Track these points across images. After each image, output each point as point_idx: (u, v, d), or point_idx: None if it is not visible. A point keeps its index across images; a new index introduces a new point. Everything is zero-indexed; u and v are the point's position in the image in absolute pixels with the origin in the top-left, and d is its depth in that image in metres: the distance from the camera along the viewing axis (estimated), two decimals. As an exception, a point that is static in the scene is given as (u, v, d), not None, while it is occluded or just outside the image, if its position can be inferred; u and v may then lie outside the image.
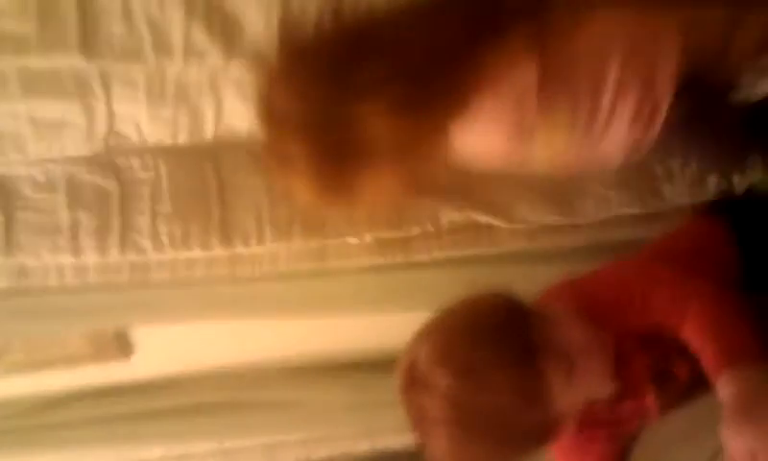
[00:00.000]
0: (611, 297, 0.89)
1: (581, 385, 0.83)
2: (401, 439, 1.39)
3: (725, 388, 0.75)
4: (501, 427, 0.80)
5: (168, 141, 1.11)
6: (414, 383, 0.82)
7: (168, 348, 1.43)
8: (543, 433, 0.84)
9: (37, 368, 1.35)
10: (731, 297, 0.83)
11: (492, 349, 0.79)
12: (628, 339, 0.89)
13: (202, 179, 1.14)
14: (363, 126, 0.73)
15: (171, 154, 1.13)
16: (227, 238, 1.14)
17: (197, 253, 1.14)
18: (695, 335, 0.82)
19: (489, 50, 0.71)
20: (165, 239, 1.13)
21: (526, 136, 0.73)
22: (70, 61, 1.03)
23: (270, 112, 0.79)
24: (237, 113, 1.10)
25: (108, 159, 1.12)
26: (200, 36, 1.02)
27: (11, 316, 1.18)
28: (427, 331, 0.85)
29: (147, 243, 1.12)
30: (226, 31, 1.03)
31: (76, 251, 1.11)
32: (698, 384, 0.86)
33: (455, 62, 0.71)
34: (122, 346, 1.38)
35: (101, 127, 1.08)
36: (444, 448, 0.82)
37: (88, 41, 1.01)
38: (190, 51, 1.03)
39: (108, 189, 1.12)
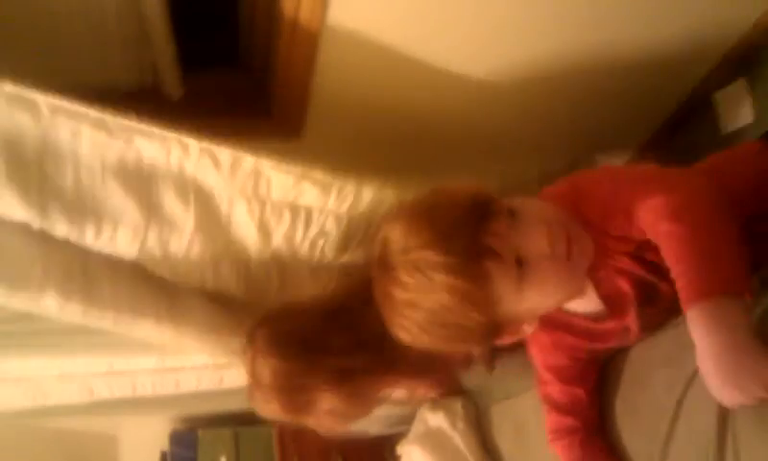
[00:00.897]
0: (600, 202, 0.86)
1: (534, 291, 0.82)
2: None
3: (692, 324, 0.71)
4: (446, 325, 0.82)
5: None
6: (380, 263, 0.86)
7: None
8: (491, 332, 0.85)
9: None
10: (723, 215, 0.76)
11: (439, 249, 0.78)
12: (613, 254, 0.87)
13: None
14: (321, 395, 1.14)
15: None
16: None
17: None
18: (667, 252, 0.77)
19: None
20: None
21: None
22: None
23: (252, 370, 1.18)
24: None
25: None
26: None
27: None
28: (399, 213, 0.86)
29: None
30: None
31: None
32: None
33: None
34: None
35: None
36: (401, 329, 0.88)
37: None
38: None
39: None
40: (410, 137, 1.78)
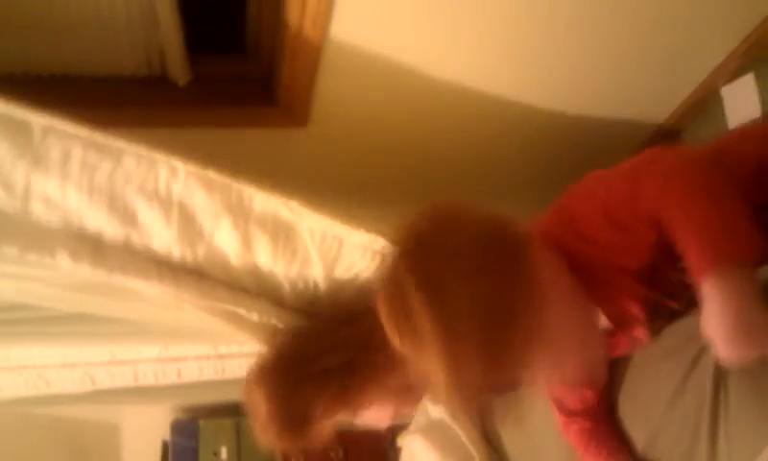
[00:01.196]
0: (597, 210, 0.83)
1: (545, 362, 0.78)
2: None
3: (708, 295, 0.70)
4: (439, 381, 0.76)
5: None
6: (385, 299, 0.80)
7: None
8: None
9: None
10: (726, 183, 0.75)
11: (439, 320, 0.72)
12: (622, 277, 0.85)
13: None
14: (313, 402, 1.23)
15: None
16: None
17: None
18: (677, 225, 0.75)
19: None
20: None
21: None
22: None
23: (250, 403, 1.27)
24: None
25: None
26: None
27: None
28: (410, 243, 0.79)
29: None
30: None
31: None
32: (689, 306, 0.84)
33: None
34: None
35: None
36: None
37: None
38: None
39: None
40: (412, 136, 1.79)
